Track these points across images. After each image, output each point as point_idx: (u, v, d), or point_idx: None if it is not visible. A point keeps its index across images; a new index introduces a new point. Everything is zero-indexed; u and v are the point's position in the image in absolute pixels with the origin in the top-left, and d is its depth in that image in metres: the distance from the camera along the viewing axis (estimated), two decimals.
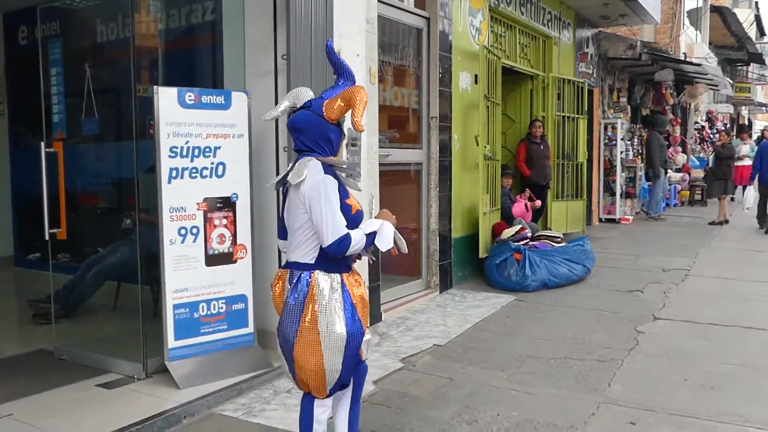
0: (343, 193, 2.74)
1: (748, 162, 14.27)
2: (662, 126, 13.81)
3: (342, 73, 2.84)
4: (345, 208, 2.71)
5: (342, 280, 2.77)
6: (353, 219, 2.74)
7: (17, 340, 5.11)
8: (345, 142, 4.94)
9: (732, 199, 15.60)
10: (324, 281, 2.72)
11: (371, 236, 2.75)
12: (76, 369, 4.30)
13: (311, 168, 2.68)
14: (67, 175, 4.54)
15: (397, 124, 6.64)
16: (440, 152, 6.79)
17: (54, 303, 4.93)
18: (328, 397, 2.85)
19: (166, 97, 4.02)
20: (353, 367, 2.84)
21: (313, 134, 2.76)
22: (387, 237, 2.78)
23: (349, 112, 2.77)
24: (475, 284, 7.24)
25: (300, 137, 2.79)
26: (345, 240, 2.63)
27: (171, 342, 4.09)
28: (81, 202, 5.82)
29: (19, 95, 7.36)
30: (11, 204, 7.49)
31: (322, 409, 2.88)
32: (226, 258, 4.31)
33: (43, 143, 4.33)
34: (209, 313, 4.24)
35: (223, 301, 4.30)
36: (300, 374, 2.78)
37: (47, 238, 4.38)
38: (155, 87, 4.01)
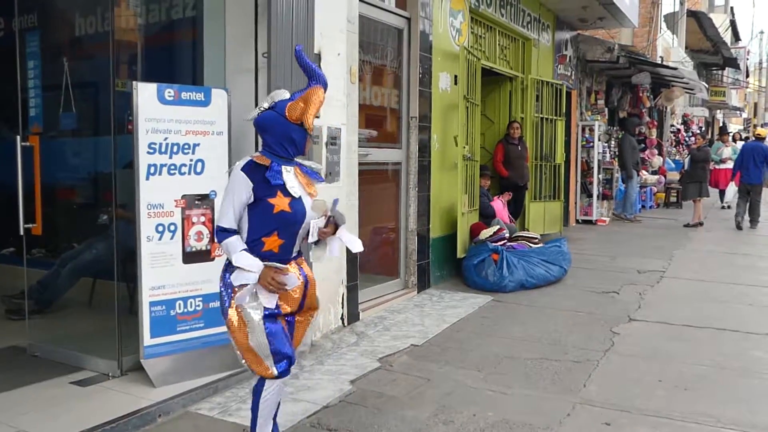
0: (266, 192, 2.83)
1: (731, 165, 14.41)
2: (631, 127, 13.98)
3: (312, 75, 2.91)
4: (266, 207, 2.82)
5: None
6: (274, 218, 2.83)
7: None
8: (324, 140, 4.96)
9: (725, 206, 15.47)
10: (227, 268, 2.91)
11: (232, 265, 2.84)
12: (50, 366, 4.25)
13: (240, 161, 2.88)
14: (43, 170, 4.48)
15: (376, 124, 6.64)
16: (419, 152, 6.80)
17: (28, 299, 4.86)
18: (278, 377, 2.90)
19: (145, 93, 3.98)
20: (286, 341, 2.90)
21: (277, 134, 2.88)
22: (240, 278, 2.82)
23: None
24: (453, 284, 7.27)
25: (264, 136, 2.93)
26: (220, 234, 2.83)
27: (147, 340, 4.06)
28: (57, 197, 5.73)
29: None
30: None
31: (267, 392, 2.96)
32: (204, 255, 4.28)
33: (19, 137, 4.27)
34: (186, 310, 4.21)
35: (200, 298, 4.27)
36: (238, 348, 2.92)
37: (22, 233, 4.32)
38: (134, 82, 3.97)
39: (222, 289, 2.92)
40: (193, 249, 4.23)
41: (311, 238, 2.95)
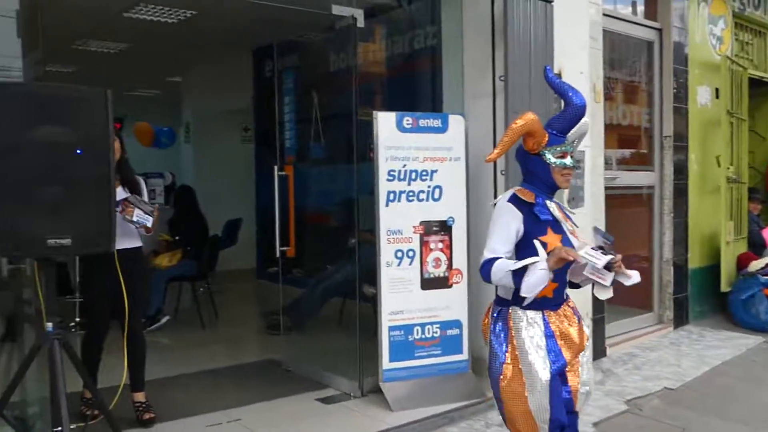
0: (534, 228, 2.50)
1: None
2: None
3: (565, 98, 2.63)
4: (531, 247, 2.45)
5: (544, 317, 2.53)
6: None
7: (251, 348, 5.56)
8: None
9: None
10: (519, 317, 2.52)
11: (517, 276, 2.38)
12: (299, 381, 4.54)
13: (503, 195, 2.64)
14: (296, 197, 4.82)
15: (625, 145, 6.27)
16: (675, 174, 6.28)
17: (284, 315, 5.25)
18: None
19: (385, 122, 4.12)
20: (563, 407, 2.51)
21: (520, 163, 2.68)
22: (533, 283, 2.36)
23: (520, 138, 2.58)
24: (716, 322, 6.54)
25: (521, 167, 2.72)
26: (485, 265, 2.47)
27: (386, 363, 4.15)
28: (307, 221, 6.17)
29: (263, 122, 8.04)
30: (255, 221, 8.19)
31: None
32: (442, 282, 4.29)
33: (276, 167, 4.65)
34: (424, 336, 4.24)
35: (438, 325, 4.27)
36: (507, 414, 2.60)
37: (278, 255, 4.68)
38: (375, 112, 4.13)
39: (493, 340, 2.58)
40: (431, 275, 4.25)
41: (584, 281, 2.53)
